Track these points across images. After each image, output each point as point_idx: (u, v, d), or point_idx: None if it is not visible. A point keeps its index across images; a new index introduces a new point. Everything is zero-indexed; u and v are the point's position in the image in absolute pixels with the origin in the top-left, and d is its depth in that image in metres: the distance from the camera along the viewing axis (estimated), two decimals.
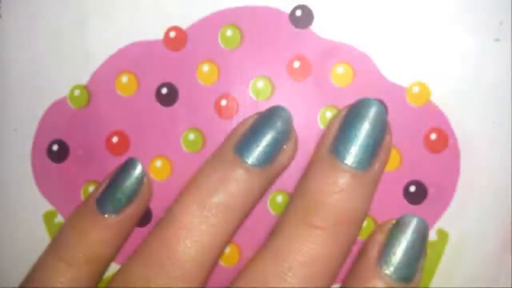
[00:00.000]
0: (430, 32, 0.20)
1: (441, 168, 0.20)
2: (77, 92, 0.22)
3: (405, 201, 0.21)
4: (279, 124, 0.19)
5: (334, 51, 0.21)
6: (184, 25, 0.21)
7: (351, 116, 0.19)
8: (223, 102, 0.21)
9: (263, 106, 0.20)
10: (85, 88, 0.22)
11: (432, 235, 0.20)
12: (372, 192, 0.19)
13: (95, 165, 0.22)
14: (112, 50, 0.22)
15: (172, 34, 0.21)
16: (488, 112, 0.20)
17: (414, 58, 0.20)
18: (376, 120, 0.18)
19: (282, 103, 0.20)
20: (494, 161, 0.20)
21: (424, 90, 0.20)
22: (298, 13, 0.21)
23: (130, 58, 0.22)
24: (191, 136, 0.21)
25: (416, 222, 0.19)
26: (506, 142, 0.20)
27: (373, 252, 0.19)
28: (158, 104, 0.22)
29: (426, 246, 0.19)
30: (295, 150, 0.20)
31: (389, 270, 0.18)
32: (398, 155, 0.21)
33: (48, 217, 0.22)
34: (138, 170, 0.20)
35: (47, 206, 0.22)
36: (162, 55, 0.21)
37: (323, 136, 0.19)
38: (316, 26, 0.21)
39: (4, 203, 0.22)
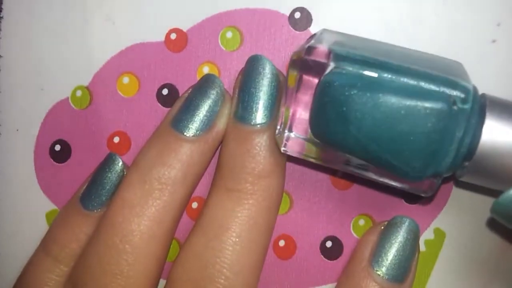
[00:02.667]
0: (428, 35, 0.20)
1: None
2: (79, 93, 0.22)
3: (402, 200, 0.21)
4: (211, 91, 0.20)
5: None
6: (184, 27, 0.22)
7: (244, 81, 0.20)
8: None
9: None
10: (87, 89, 0.22)
11: (429, 235, 0.21)
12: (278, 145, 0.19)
13: (97, 165, 0.22)
14: (114, 51, 0.22)
15: (173, 35, 0.22)
16: None
17: None
18: (269, 76, 0.19)
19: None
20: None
21: None
22: (297, 15, 0.21)
23: (132, 59, 0.22)
24: None
25: (407, 223, 0.19)
26: None
27: (365, 252, 0.19)
28: (159, 105, 0.22)
29: (417, 247, 0.19)
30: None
31: (381, 270, 0.18)
32: None
33: (51, 217, 0.22)
34: (118, 165, 0.20)
35: (50, 206, 0.22)
36: (163, 56, 0.22)
37: (232, 102, 0.20)
38: (314, 28, 0.21)
39: (7, 202, 0.22)
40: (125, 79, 0.22)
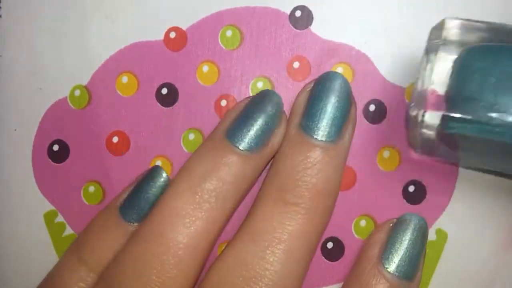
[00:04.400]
0: (428, 32, 0.20)
1: (440, 168, 0.20)
2: (77, 92, 0.22)
3: (404, 201, 0.21)
4: (269, 108, 0.19)
5: (333, 52, 0.21)
6: (184, 26, 0.22)
7: (316, 91, 0.19)
8: (223, 103, 0.21)
9: None
10: (86, 88, 0.22)
11: (431, 235, 0.21)
12: (342, 163, 0.19)
13: (96, 165, 0.22)
14: (113, 50, 0.22)
15: (172, 34, 0.22)
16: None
17: (413, 59, 0.20)
18: (341, 92, 0.19)
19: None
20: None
21: None
22: (298, 13, 0.21)
23: (130, 58, 0.22)
24: (191, 136, 0.21)
25: (416, 220, 0.19)
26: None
27: (374, 250, 0.19)
28: (158, 104, 0.22)
29: (426, 245, 0.19)
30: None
31: (391, 268, 0.18)
32: (397, 155, 0.21)
33: (48, 217, 0.22)
34: (162, 178, 0.20)
35: (48, 206, 0.22)
36: (162, 55, 0.22)
37: (291, 113, 0.20)
38: (315, 27, 0.21)
39: (5, 203, 0.22)
40: (124, 79, 0.22)
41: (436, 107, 0.17)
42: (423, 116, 0.17)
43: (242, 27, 0.21)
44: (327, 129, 0.18)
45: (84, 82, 0.22)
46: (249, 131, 0.19)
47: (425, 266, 0.20)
